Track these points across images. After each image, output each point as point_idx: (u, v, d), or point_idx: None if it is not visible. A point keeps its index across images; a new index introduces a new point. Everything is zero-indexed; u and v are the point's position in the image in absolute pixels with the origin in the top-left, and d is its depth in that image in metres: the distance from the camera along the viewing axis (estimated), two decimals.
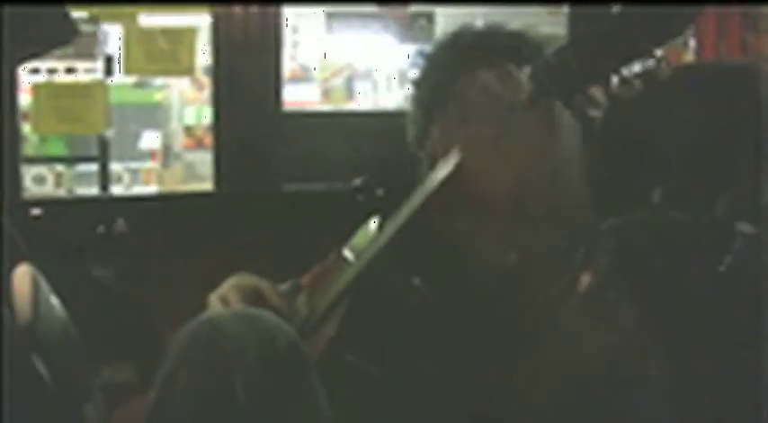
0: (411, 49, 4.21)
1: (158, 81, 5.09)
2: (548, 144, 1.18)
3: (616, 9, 0.96)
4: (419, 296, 1.22)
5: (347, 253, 1.46)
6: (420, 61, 1.48)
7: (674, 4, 0.92)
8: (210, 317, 1.23)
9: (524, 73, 1.05)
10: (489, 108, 1.25)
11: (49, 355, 1.57)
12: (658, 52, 0.99)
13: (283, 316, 1.29)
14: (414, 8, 3.79)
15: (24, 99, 3.03)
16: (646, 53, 0.97)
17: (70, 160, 4.62)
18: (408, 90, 1.47)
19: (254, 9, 2.88)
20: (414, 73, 1.49)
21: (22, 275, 1.61)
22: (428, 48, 1.49)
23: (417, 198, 1.22)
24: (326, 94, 4.95)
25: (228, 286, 1.50)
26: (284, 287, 1.59)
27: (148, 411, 1.18)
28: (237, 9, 2.87)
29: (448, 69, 1.38)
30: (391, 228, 1.24)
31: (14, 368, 1.45)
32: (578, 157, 1.27)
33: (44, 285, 1.68)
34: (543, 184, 1.18)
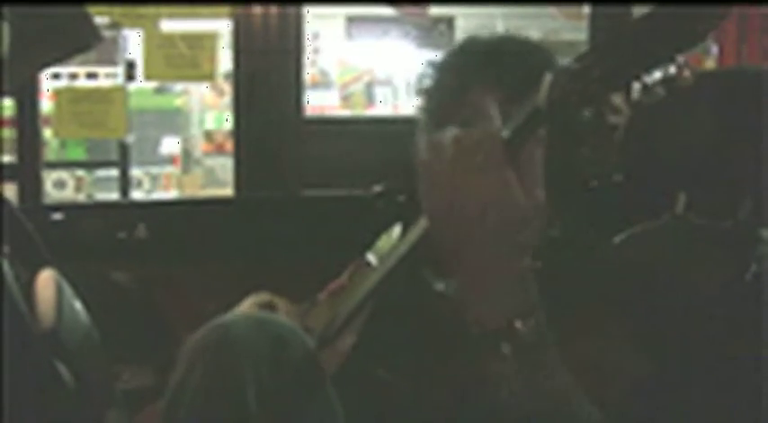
0: (431, 54, 4.20)
1: (179, 86, 5.12)
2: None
3: (638, 13, 0.95)
4: (442, 301, 1.21)
5: (371, 257, 1.45)
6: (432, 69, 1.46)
7: (698, 5, 0.91)
8: (222, 321, 1.22)
9: (545, 80, 1.03)
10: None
11: (73, 361, 1.57)
12: (680, 58, 0.98)
13: None
14: (434, 12, 3.79)
15: (45, 104, 3.05)
16: (668, 59, 0.96)
17: (90, 165, 4.66)
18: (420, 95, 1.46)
19: (275, 13, 2.88)
20: (427, 80, 1.47)
21: (46, 280, 1.62)
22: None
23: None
24: (346, 99, 4.96)
25: (245, 307, 1.51)
26: (302, 307, 1.59)
27: (161, 416, 1.18)
28: (258, 12, 2.87)
29: (460, 77, 1.37)
30: (414, 233, 1.24)
31: (38, 373, 1.45)
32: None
33: (67, 290, 1.68)
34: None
